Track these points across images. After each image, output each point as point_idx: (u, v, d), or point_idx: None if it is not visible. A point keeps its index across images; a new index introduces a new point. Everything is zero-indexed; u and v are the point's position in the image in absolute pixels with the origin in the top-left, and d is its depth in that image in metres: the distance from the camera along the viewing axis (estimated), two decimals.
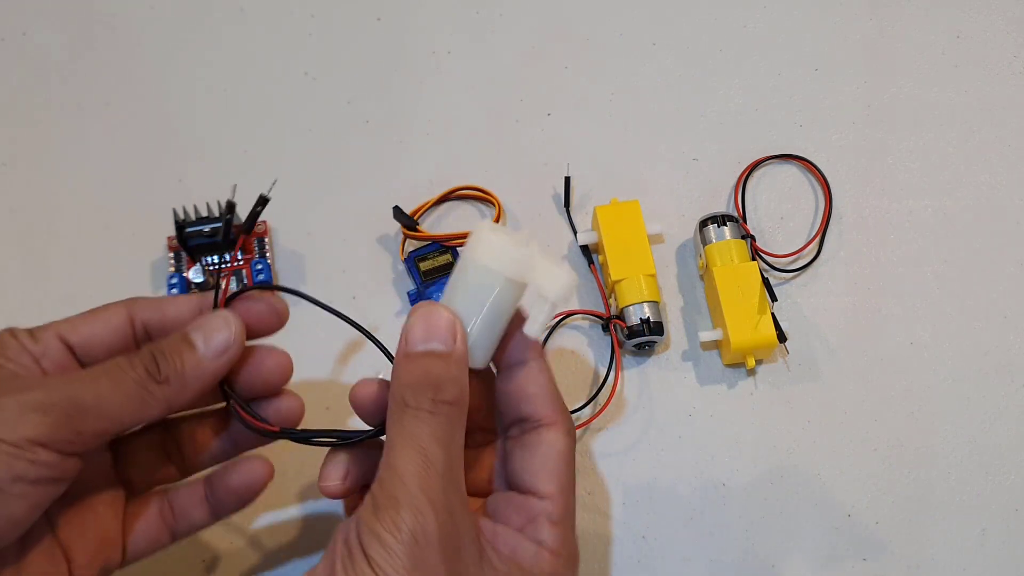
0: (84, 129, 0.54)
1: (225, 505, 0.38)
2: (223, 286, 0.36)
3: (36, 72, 0.55)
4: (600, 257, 0.49)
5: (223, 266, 0.36)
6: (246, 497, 0.38)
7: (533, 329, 0.35)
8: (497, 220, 0.50)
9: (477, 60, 0.55)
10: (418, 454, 0.32)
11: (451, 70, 0.55)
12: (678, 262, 0.51)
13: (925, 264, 0.50)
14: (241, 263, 0.49)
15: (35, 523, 0.32)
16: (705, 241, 0.49)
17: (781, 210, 0.52)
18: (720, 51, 0.55)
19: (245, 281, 0.49)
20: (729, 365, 0.48)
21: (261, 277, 0.49)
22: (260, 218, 0.50)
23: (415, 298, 0.49)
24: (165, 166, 0.53)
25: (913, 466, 0.46)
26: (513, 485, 0.36)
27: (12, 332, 0.34)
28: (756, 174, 0.53)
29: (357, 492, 0.37)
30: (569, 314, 0.49)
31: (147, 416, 0.34)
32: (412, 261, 0.49)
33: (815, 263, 0.50)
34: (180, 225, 0.48)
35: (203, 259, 0.49)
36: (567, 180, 0.51)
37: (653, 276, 0.48)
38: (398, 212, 0.49)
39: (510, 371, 0.36)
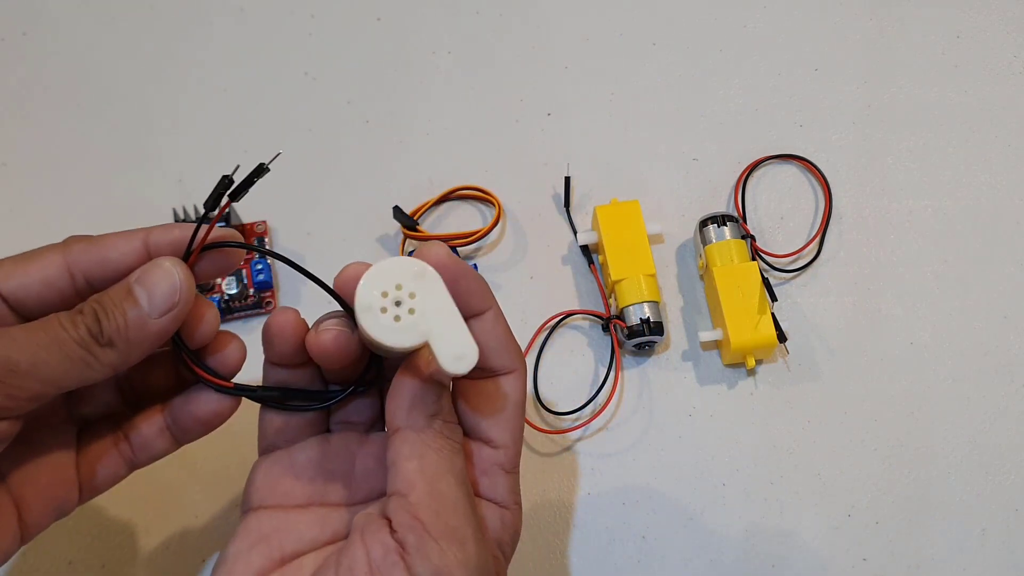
0: (84, 129, 0.54)
1: (190, 433, 0.36)
2: (199, 237, 0.33)
3: (36, 72, 0.55)
4: (600, 257, 0.49)
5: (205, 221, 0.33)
6: (213, 424, 0.35)
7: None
8: (497, 221, 0.50)
9: (477, 60, 0.55)
10: (463, 483, 0.32)
11: (451, 70, 0.55)
12: (678, 262, 0.51)
13: (925, 264, 0.50)
14: (241, 263, 0.49)
15: None
16: (705, 241, 0.49)
17: (781, 210, 0.52)
18: (720, 51, 0.55)
19: (245, 282, 0.49)
20: (729, 365, 0.48)
21: (261, 277, 0.49)
22: (259, 218, 0.51)
23: None
24: (165, 166, 0.53)
25: (913, 466, 0.46)
26: (464, 429, 0.35)
27: None
28: (756, 174, 0.53)
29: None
30: (569, 314, 0.49)
31: (90, 379, 0.31)
32: None
33: (815, 263, 0.50)
34: None
35: None
36: (567, 180, 0.51)
37: (653, 276, 0.48)
38: (398, 212, 0.49)
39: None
